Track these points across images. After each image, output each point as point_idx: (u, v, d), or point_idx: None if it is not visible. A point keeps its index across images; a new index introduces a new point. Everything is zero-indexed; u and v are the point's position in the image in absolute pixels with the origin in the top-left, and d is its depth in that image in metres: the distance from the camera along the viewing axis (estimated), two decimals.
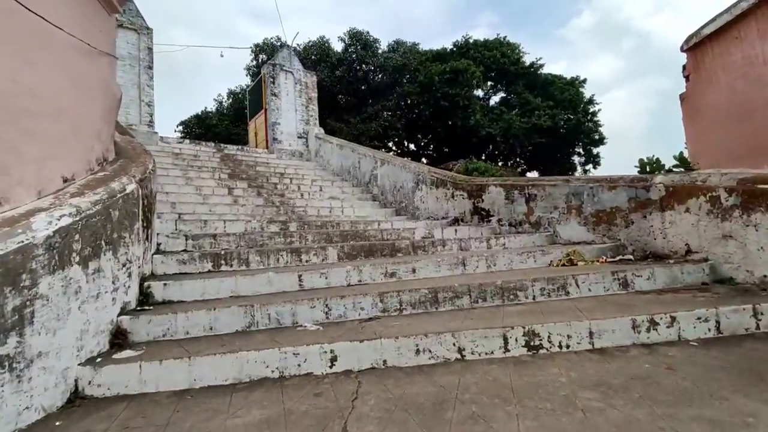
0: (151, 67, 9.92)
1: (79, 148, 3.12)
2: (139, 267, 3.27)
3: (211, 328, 2.85)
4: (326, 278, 3.63)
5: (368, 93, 22.61)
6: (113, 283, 2.78)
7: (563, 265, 3.97)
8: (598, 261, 4.06)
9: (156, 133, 9.75)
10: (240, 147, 11.29)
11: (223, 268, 3.93)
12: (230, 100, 26.19)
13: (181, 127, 27.53)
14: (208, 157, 9.53)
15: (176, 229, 4.77)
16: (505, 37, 27.01)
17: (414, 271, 3.83)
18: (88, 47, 3.31)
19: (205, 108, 27.77)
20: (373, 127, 20.50)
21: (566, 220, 5.09)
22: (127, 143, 4.67)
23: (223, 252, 3.97)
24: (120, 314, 2.82)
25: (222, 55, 27.03)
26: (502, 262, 4.05)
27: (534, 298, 3.18)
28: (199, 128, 26.35)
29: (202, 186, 7.29)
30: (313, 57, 22.13)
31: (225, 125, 23.85)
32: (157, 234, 4.25)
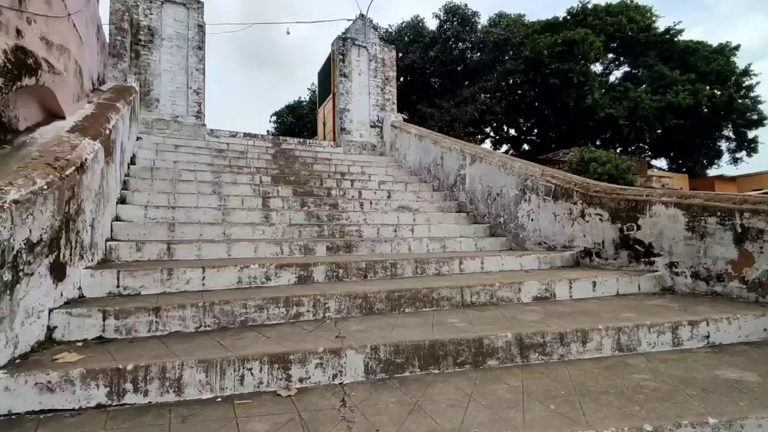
0: (201, 48, 8.46)
1: None
2: None
3: None
4: None
5: (464, 74, 19.88)
6: None
7: None
8: None
9: (204, 125, 8.31)
10: (302, 140, 9.56)
11: (129, 399, 1.97)
12: None
13: (274, 118, 27.37)
14: (258, 153, 7.88)
15: (117, 286, 2.94)
16: None
17: None
18: None
19: (299, 97, 27.19)
20: (469, 112, 17.80)
21: None
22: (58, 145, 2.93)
23: (131, 367, 2.00)
24: None
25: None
26: None
27: None
28: (291, 117, 25.79)
29: (231, 195, 5.55)
30: (406, 38, 20.05)
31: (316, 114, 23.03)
32: (57, 307, 2.42)
